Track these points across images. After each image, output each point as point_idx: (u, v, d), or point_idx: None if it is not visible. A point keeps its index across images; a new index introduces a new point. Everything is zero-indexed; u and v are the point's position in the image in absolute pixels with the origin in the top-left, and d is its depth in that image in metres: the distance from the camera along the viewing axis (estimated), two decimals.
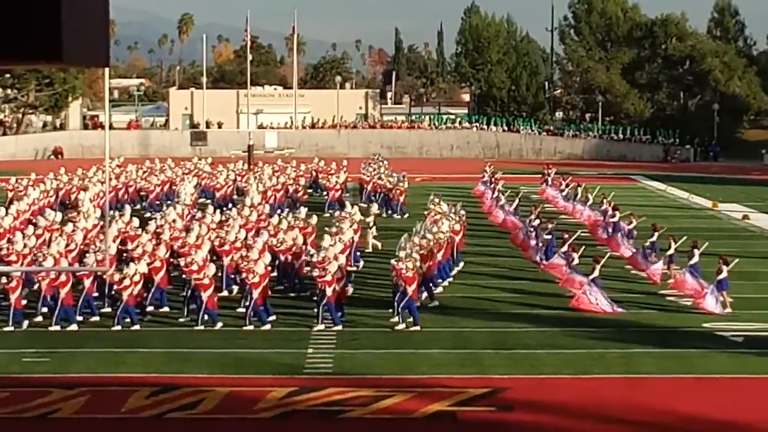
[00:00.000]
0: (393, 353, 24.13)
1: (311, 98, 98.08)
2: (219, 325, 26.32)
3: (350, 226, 33.26)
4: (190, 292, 27.16)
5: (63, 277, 26.52)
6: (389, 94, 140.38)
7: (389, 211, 46.98)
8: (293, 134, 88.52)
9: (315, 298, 27.33)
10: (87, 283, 27.23)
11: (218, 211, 37.92)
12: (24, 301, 27.31)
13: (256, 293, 26.47)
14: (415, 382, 21.72)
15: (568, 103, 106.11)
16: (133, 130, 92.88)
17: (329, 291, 26.34)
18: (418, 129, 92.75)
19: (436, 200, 38.43)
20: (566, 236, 33.03)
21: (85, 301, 27.18)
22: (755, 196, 59.08)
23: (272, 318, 26.77)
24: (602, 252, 33.84)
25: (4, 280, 27.24)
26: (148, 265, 28.10)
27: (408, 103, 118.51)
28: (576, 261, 30.81)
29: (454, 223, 34.46)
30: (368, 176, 50.58)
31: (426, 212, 37.36)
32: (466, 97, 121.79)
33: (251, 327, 26.28)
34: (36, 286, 27.90)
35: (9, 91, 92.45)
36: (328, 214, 43.77)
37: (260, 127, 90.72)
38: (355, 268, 32.92)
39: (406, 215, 45.09)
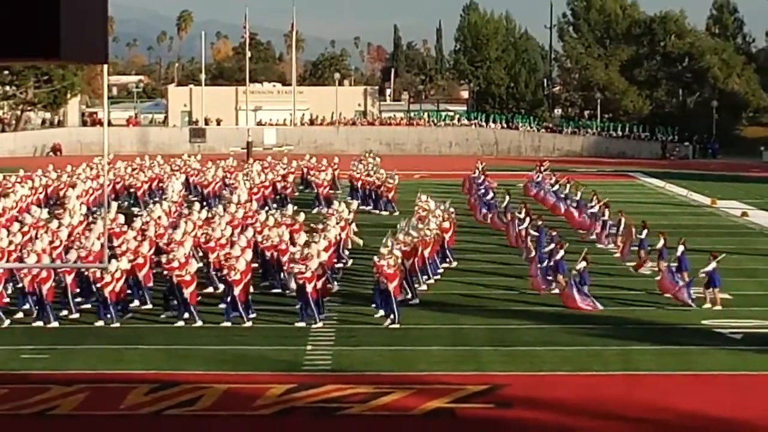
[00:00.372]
0: (391, 350, 24.13)
1: (310, 95, 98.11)
2: (199, 322, 26.26)
3: (336, 223, 33.25)
4: (170, 288, 27.02)
5: (44, 273, 26.36)
6: (388, 91, 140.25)
7: (377, 208, 47.09)
8: (292, 131, 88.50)
9: (294, 295, 27.38)
10: (68, 279, 27.15)
11: (205, 208, 37.89)
12: (6, 299, 27.24)
13: (237, 290, 26.38)
14: (413, 379, 21.70)
15: (567, 100, 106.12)
16: (132, 127, 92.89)
17: (309, 288, 26.30)
18: (417, 126, 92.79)
19: (423, 197, 38.27)
20: (554, 236, 32.79)
21: (65, 298, 27.06)
22: (754, 193, 59.05)
23: (253, 315, 26.68)
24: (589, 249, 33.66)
25: None
26: (131, 261, 28.05)
27: (407, 100, 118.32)
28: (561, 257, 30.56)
29: (442, 220, 34.41)
30: (358, 173, 50.56)
31: (414, 209, 37.38)
32: (465, 94, 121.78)
33: (228, 324, 26.16)
34: (20, 284, 27.65)
35: (8, 87, 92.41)
36: (315, 211, 43.86)
37: (259, 123, 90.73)
38: (341, 265, 32.94)
39: (396, 212, 45.02)
